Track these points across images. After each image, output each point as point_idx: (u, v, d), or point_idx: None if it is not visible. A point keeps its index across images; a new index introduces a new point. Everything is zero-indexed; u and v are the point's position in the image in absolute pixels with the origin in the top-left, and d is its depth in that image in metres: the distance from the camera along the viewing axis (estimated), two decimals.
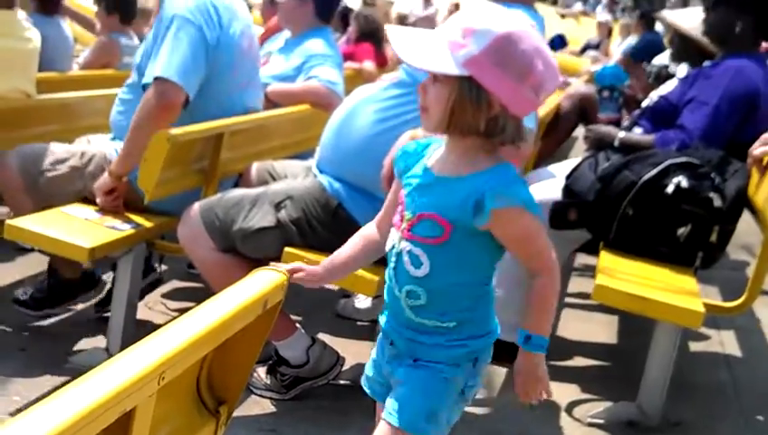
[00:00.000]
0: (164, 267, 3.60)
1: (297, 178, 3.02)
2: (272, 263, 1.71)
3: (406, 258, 1.59)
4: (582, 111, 4.92)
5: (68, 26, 5.22)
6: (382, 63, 6.99)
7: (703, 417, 3.02)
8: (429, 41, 1.55)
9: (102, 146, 3.26)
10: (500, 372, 3.06)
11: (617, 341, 3.74)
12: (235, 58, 3.16)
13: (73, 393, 0.98)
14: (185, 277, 3.84)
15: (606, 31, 14.40)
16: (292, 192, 2.78)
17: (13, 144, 3.27)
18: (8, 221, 2.87)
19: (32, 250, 3.84)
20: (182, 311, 1.29)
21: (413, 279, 1.59)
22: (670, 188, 2.93)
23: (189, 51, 2.97)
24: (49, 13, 4.85)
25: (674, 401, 2.89)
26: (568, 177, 3.20)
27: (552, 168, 3.58)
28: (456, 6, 15.02)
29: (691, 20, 3.84)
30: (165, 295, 3.61)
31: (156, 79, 2.94)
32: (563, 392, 3.03)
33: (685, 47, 3.94)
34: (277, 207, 2.75)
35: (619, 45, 11.58)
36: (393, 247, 1.62)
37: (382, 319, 1.70)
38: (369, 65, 6.66)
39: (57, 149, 3.23)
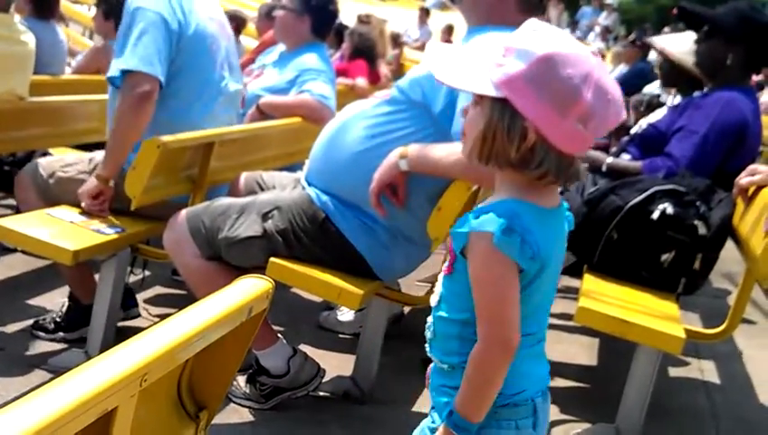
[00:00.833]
0: (147, 273, 3.59)
1: (285, 189, 3.03)
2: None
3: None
4: None
5: (63, 31, 5.23)
6: (375, 81, 7.03)
7: None
8: (469, 59, 1.44)
9: None
10: None
11: (597, 363, 3.76)
12: (208, 41, 3.19)
13: (57, 390, 0.98)
14: (168, 283, 3.84)
15: None
16: (280, 203, 2.79)
17: (4, 146, 3.28)
18: None
19: (15, 251, 3.84)
20: (164, 317, 1.29)
21: (432, 309, 1.53)
22: (656, 214, 2.95)
23: (151, 38, 3.00)
24: (44, 17, 4.85)
25: (652, 423, 2.90)
26: None
27: None
28: (450, 28, 15.13)
29: (680, 45, 3.87)
30: (147, 301, 3.60)
31: (124, 73, 2.98)
32: None
33: (673, 72, 3.98)
34: (264, 217, 2.75)
35: (611, 73, 11.63)
36: None
37: None
38: (361, 82, 6.69)
39: (68, 157, 3.30)
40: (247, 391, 2.83)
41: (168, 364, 1.20)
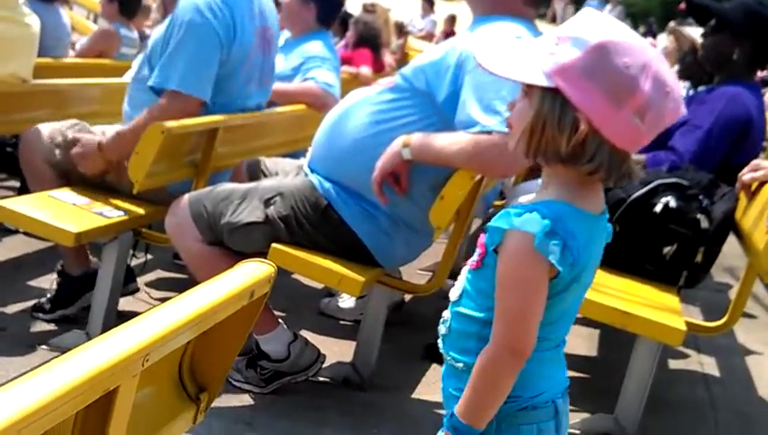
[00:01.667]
0: (149, 256, 3.60)
1: (288, 175, 3.03)
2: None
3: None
4: None
5: (66, 14, 5.23)
6: (379, 69, 7.03)
7: (678, 432, 3.07)
8: (520, 49, 1.38)
9: None
10: None
11: (597, 354, 3.76)
12: (245, 63, 3.17)
13: (59, 368, 0.98)
14: (170, 267, 3.84)
15: None
16: (283, 189, 2.79)
17: (6, 128, 3.27)
18: None
19: (17, 232, 3.84)
20: (165, 300, 1.29)
21: (450, 304, 1.46)
22: (658, 208, 2.95)
23: (203, 56, 3.00)
24: (48, 0, 4.85)
25: (651, 415, 2.91)
26: None
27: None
28: (453, 18, 15.10)
29: None
30: (149, 284, 3.61)
31: (170, 89, 2.98)
32: None
33: (695, 65, 3.95)
34: (266, 203, 2.75)
35: None
36: None
37: None
38: (365, 70, 6.69)
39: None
40: (248, 374, 2.84)
41: (170, 346, 1.20)
